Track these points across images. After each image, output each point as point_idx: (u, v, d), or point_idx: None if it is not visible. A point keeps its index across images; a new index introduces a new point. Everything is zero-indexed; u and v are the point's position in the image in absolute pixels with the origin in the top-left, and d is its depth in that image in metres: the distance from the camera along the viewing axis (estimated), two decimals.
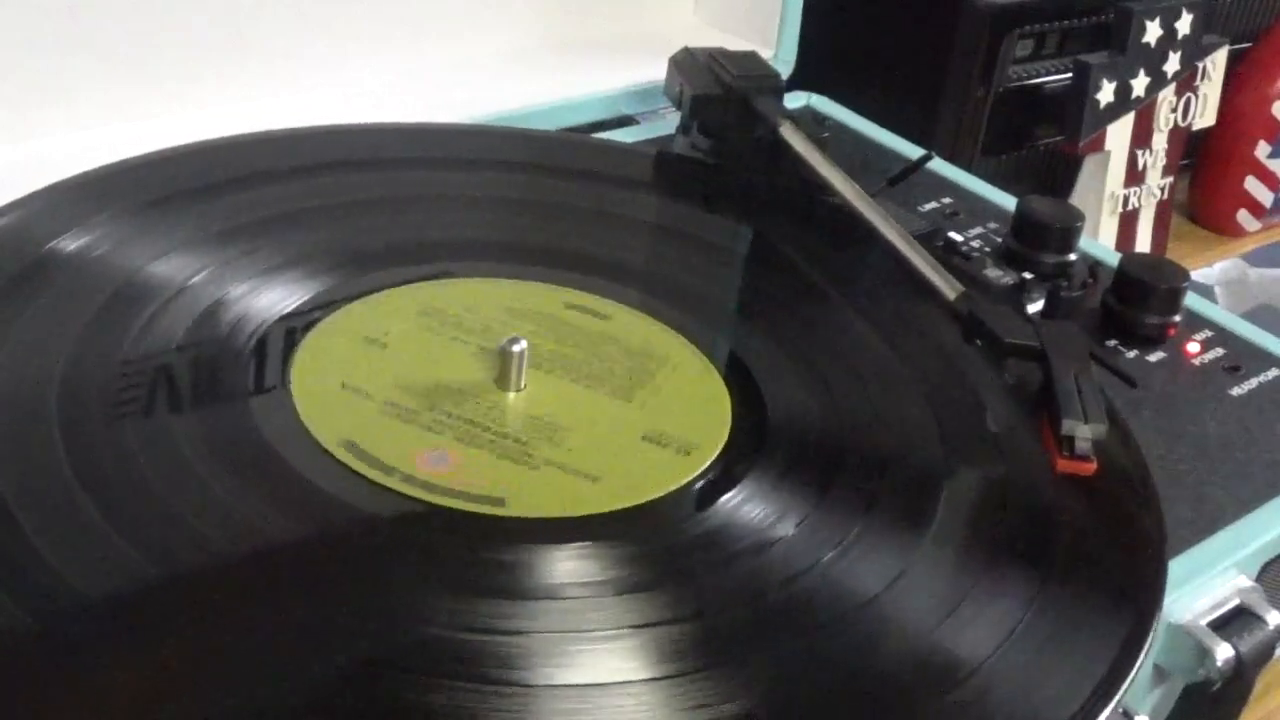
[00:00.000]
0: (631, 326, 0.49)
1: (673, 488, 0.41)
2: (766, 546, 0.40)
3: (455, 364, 0.45)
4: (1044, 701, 0.36)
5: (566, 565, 0.38)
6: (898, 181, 0.63)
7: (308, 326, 0.46)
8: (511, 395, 0.44)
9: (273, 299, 0.47)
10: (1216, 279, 0.97)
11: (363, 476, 0.40)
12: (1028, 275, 0.58)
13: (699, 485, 0.42)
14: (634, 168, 0.61)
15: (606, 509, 0.40)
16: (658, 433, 0.44)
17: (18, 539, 0.35)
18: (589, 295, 0.50)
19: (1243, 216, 1.03)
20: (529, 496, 0.40)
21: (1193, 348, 0.57)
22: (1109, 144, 0.89)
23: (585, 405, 0.45)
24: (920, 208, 0.64)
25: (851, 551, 0.40)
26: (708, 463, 0.43)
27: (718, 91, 0.63)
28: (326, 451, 0.40)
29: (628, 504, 0.40)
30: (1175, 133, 0.93)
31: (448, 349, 0.46)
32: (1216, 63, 0.94)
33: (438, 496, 0.39)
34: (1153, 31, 0.87)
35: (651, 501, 0.41)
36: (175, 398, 0.41)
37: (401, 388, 0.44)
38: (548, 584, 0.37)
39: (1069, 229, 0.59)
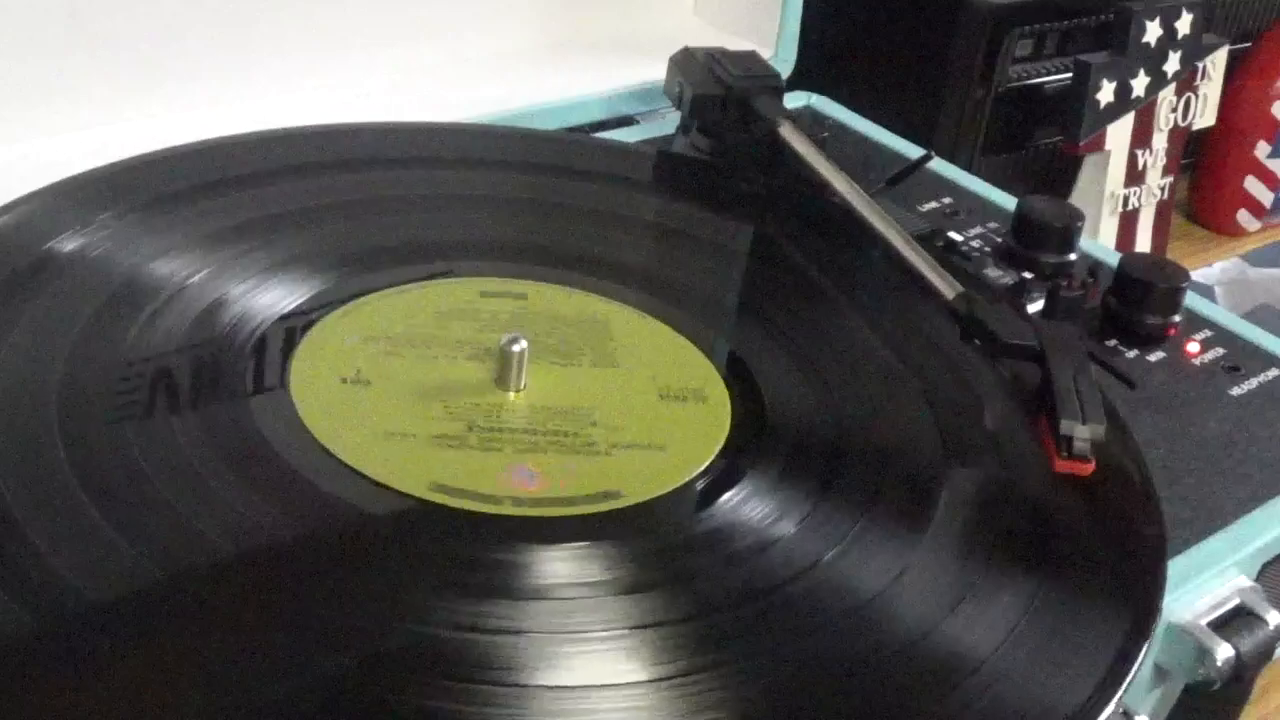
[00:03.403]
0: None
1: (673, 487, 0.41)
2: (767, 546, 0.39)
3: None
4: (1044, 701, 0.36)
5: (565, 565, 0.38)
6: (898, 181, 0.63)
7: (307, 326, 0.46)
8: (511, 395, 0.44)
9: (273, 298, 0.47)
10: (1216, 279, 0.97)
11: (362, 475, 0.40)
12: (1028, 275, 0.58)
13: (699, 484, 0.42)
14: (634, 168, 0.61)
15: (606, 509, 0.40)
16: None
17: (18, 538, 0.35)
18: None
19: (1243, 216, 1.03)
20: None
21: (1193, 348, 0.57)
22: (1109, 144, 0.89)
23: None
24: (920, 208, 0.64)
25: (851, 551, 0.40)
26: (708, 462, 0.43)
27: (718, 91, 0.63)
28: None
29: (628, 503, 0.40)
30: (1175, 133, 0.93)
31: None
32: (1216, 63, 0.94)
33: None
34: (1153, 31, 0.87)
35: (651, 501, 0.41)
36: (175, 398, 0.41)
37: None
38: (547, 584, 0.37)
39: (1069, 229, 0.59)
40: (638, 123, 0.72)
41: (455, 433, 0.42)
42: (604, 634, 0.36)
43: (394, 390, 0.44)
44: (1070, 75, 0.87)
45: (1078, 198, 0.91)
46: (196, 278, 0.47)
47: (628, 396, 0.45)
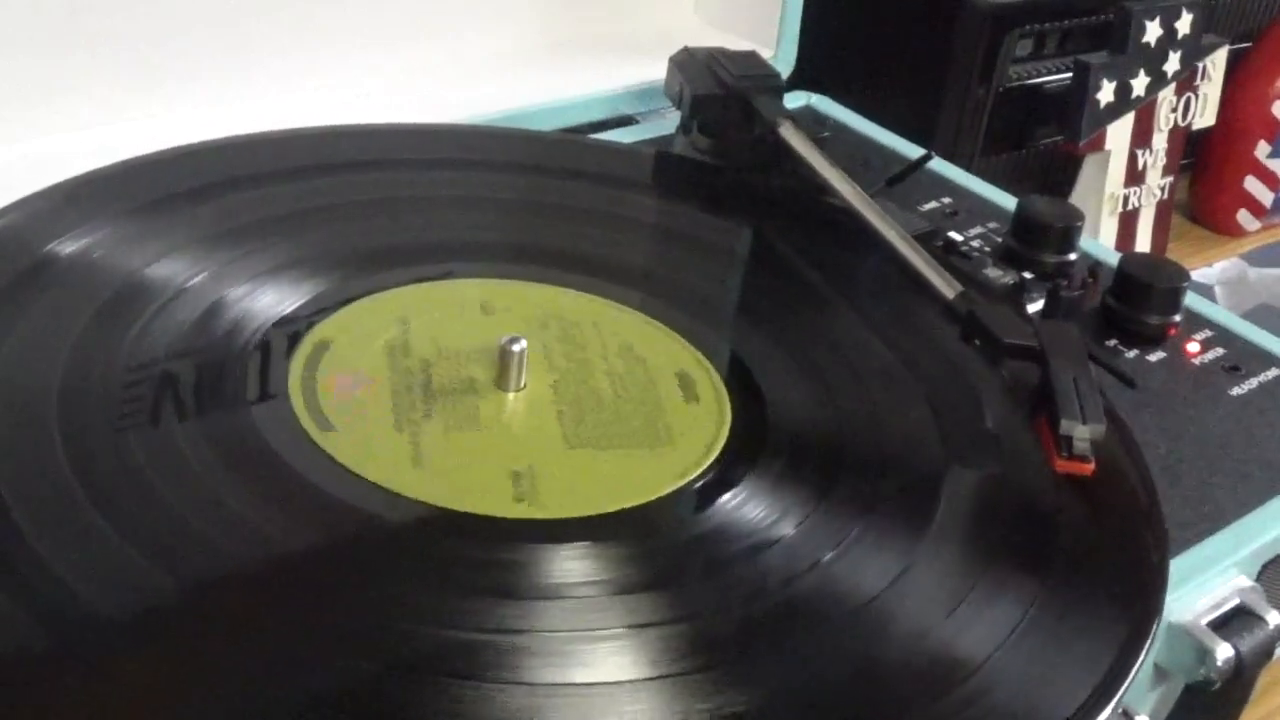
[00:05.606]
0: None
1: (673, 488, 0.41)
2: (766, 547, 0.40)
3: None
4: (1044, 701, 0.36)
5: (567, 565, 0.38)
6: (898, 181, 0.63)
7: (308, 328, 0.46)
8: (511, 395, 0.44)
9: (272, 300, 0.47)
10: (1216, 279, 0.97)
11: (362, 478, 0.40)
12: (1028, 275, 0.58)
13: (699, 485, 0.42)
14: (634, 168, 0.61)
15: (607, 509, 0.40)
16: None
17: (20, 545, 0.35)
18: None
19: (1243, 216, 1.03)
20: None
21: (1193, 348, 0.57)
22: (1109, 144, 0.89)
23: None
24: (920, 208, 0.64)
25: (851, 552, 0.40)
26: (708, 463, 0.43)
27: (718, 91, 0.63)
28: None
29: (628, 504, 0.40)
30: (1175, 133, 0.93)
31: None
32: (1216, 63, 0.94)
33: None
34: (1153, 31, 0.87)
35: (652, 501, 0.41)
36: (176, 401, 0.41)
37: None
38: (548, 584, 0.37)
39: (1069, 229, 0.59)
40: (638, 123, 0.72)
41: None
42: (604, 633, 0.36)
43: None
44: (1070, 75, 0.87)
45: (1078, 198, 0.91)
46: (197, 280, 0.47)
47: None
